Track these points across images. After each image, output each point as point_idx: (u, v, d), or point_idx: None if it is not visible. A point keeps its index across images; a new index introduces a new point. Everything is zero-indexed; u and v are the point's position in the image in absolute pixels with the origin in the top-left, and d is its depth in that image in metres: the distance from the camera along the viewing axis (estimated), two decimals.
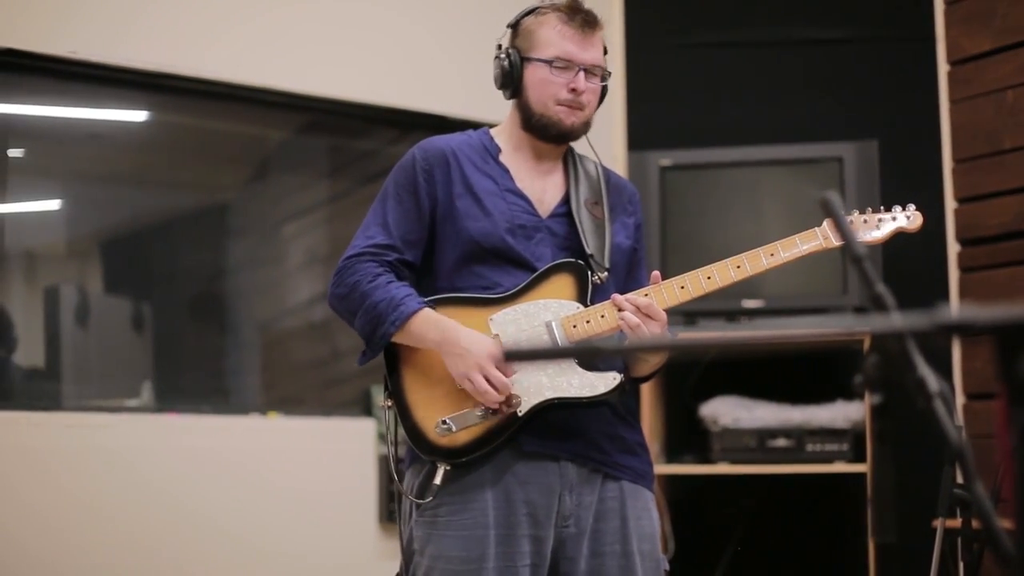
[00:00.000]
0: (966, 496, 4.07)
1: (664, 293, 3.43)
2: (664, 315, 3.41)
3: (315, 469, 5.74)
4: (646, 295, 3.41)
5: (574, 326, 3.42)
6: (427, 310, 3.38)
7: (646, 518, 3.52)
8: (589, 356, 3.23)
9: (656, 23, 6.70)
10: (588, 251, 3.51)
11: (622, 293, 3.51)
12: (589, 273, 3.48)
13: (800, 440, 5.78)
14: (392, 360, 3.48)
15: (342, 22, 6.02)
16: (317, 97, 6.01)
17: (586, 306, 3.46)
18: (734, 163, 6.11)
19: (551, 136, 3.57)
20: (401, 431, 3.45)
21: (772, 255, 3.50)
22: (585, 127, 3.59)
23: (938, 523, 4.46)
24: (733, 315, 5.85)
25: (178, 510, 5.36)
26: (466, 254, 3.47)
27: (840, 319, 5.62)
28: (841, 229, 1.84)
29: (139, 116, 6.09)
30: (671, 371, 5.72)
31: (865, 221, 3.63)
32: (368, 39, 6.08)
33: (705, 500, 6.24)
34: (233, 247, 6.63)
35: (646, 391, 5.79)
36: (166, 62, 5.55)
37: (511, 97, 3.62)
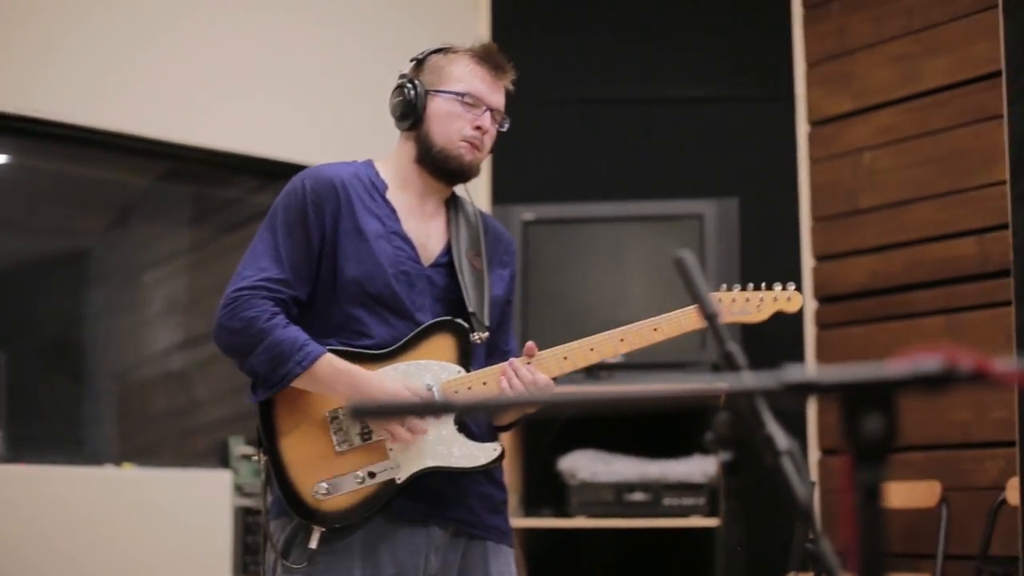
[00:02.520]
0: (816, 551, 4.12)
1: (548, 362, 3.40)
2: (552, 386, 3.39)
3: (170, 521, 5.65)
4: (528, 361, 3.38)
5: (455, 391, 3.40)
6: (331, 355, 3.32)
7: (507, 574, 3.50)
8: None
9: (522, 77, 6.73)
10: (470, 309, 3.46)
11: (489, 344, 3.51)
12: (471, 334, 3.44)
13: (657, 494, 5.81)
14: (268, 414, 3.39)
15: (206, 70, 5.99)
16: (180, 144, 5.97)
17: (467, 368, 3.42)
18: (596, 218, 6.16)
19: (447, 172, 3.51)
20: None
21: (655, 330, 3.49)
22: (478, 169, 3.56)
23: None
24: (592, 370, 5.87)
25: (29, 562, 5.26)
26: (346, 296, 3.40)
27: (698, 375, 5.67)
28: (692, 288, 1.86)
29: None
30: (530, 424, 5.71)
31: (747, 300, 3.58)
32: (231, 88, 6.06)
33: (563, 553, 6.25)
34: (92, 294, 6.53)
35: (505, 444, 5.78)
36: (27, 105, 5.48)
37: (408, 129, 3.54)
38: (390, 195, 3.52)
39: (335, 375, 3.31)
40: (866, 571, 1.52)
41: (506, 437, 5.83)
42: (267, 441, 3.38)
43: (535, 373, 3.36)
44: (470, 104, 3.50)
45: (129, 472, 5.71)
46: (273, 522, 3.44)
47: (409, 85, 3.54)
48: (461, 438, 3.40)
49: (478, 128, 3.50)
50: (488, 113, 3.52)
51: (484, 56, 3.56)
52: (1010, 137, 3.83)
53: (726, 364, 1.91)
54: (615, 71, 6.71)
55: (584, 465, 5.85)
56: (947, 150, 5.95)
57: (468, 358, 3.44)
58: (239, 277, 3.40)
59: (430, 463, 3.36)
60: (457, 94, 3.50)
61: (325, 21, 6.42)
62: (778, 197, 6.44)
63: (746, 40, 6.66)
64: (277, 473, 3.35)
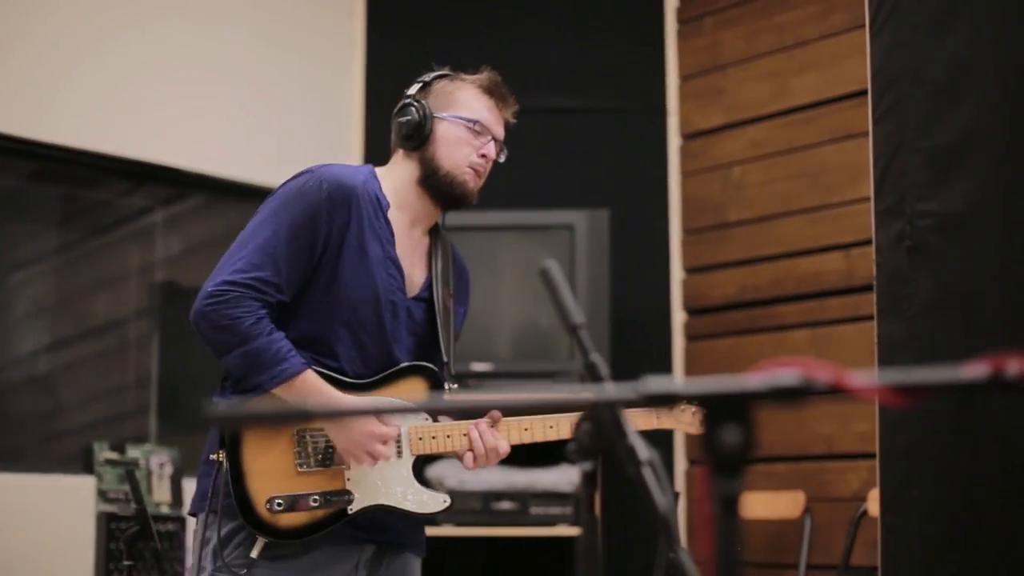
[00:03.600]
0: (676, 561, 4.16)
1: (511, 432, 3.45)
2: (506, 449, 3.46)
3: (32, 526, 5.58)
4: (492, 425, 3.42)
5: (420, 438, 3.42)
6: (311, 372, 3.31)
7: None
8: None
9: (393, 85, 6.72)
10: (445, 359, 3.48)
11: None
12: (444, 385, 3.46)
13: (524, 503, 5.83)
14: None
15: (77, 69, 5.92)
16: (49, 144, 5.89)
17: (434, 418, 3.44)
18: (469, 227, 6.15)
19: (449, 196, 3.51)
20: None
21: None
22: (476, 198, 3.58)
23: None
24: (462, 378, 5.88)
25: None
26: (333, 314, 3.38)
27: (566, 385, 5.70)
28: (556, 299, 1.87)
29: None
30: None
31: (683, 410, 3.55)
32: (103, 88, 5.99)
33: (431, 562, 6.23)
34: None
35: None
36: None
37: (413, 150, 3.53)
38: (391, 215, 3.50)
39: (312, 394, 3.30)
40: None
41: None
42: (230, 445, 3.34)
43: (498, 439, 3.41)
44: (478, 132, 3.54)
45: None
46: (212, 523, 3.39)
47: (417, 105, 3.55)
48: (416, 484, 3.44)
49: (483, 156, 3.53)
50: (492, 143, 3.56)
51: (492, 88, 3.61)
52: (874, 155, 3.90)
53: (589, 374, 1.92)
54: None
55: (452, 473, 5.84)
56: (815, 166, 6.04)
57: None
58: (230, 265, 3.33)
59: (382, 501, 3.41)
60: (468, 120, 3.54)
61: (200, 23, 6.37)
62: (649, 209, 6.49)
63: (619, 52, 6.70)
64: (235, 479, 3.33)
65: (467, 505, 5.83)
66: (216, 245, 6.88)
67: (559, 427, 3.47)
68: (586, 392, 1.80)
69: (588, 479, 1.81)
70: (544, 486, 5.83)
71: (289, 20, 6.63)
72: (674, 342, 6.36)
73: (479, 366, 5.90)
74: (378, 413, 3.36)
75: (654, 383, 1.61)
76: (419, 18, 6.80)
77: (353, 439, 3.33)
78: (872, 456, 3.88)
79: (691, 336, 6.38)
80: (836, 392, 1.53)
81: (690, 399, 1.58)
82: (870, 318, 3.87)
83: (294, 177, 3.45)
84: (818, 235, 5.98)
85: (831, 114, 6.01)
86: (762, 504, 5.63)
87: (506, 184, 6.57)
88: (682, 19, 6.62)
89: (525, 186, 6.55)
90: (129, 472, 4.15)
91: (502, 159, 3.63)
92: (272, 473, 3.35)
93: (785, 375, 1.52)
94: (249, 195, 6.40)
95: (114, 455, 5.87)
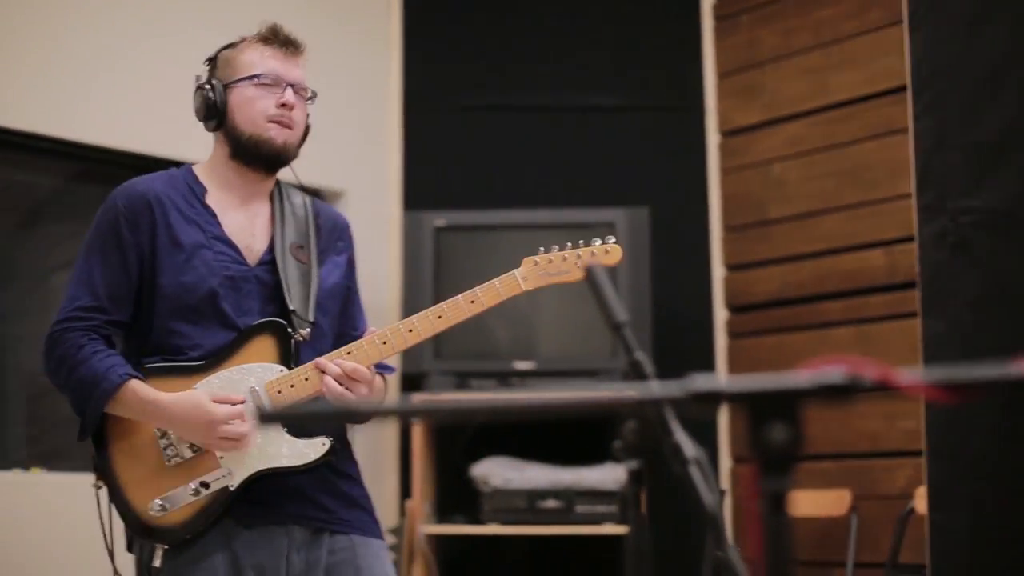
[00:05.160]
0: (724, 560, 4.15)
1: (367, 349, 3.36)
2: (369, 374, 3.34)
3: (78, 526, 5.59)
4: (348, 353, 3.35)
5: (279, 391, 3.35)
6: (132, 383, 3.27)
7: (378, 565, 3.45)
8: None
9: (435, 85, 6.74)
10: (291, 306, 3.40)
11: (337, 333, 3.50)
12: (290, 332, 3.39)
13: (570, 501, 5.83)
14: (100, 438, 3.35)
15: (117, 70, 5.94)
16: (90, 145, 5.92)
17: (290, 368, 3.37)
18: (508, 225, 6.16)
19: (262, 158, 3.47)
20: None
21: (472, 302, 3.41)
22: (295, 150, 3.51)
23: None
24: (505, 376, 5.89)
25: None
26: (169, 310, 3.35)
27: (609, 383, 5.70)
28: (599, 297, 1.87)
29: None
30: (442, 431, 5.73)
31: (564, 259, 3.48)
32: (143, 89, 6.01)
33: (475, 560, 6.25)
34: (0, 296, 6.46)
35: (417, 451, 5.79)
36: None
37: (215, 128, 3.52)
38: (209, 199, 3.48)
39: (140, 406, 3.27)
40: None
41: (419, 445, 5.83)
42: (101, 464, 3.35)
43: (343, 365, 3.31)
44: (268, 84, 3.47)
45: (37, 476, 5.66)
46: (135, 548, 3.41)
47: (207, 86, 3.53)
48: (288, 437, 3.35)
49: (283, 106, 3.46)
50: (289, 89, 3.49)
51: (270, 36, 3.55)
52: (915, 151, 3.87)
53: (634, 373, 1.92)
54: (528, 79, 6.72)
55: (497, 472, 5.85)
56: (855, 163, 6.02)
57: (291, 357, 3.39)
58: (58, 310, 3.37)
59: (260, 466, 3.32)
60: (251, 77, 3.48)
61: (238, 24, 6.38)
62: (689, 207, 6.48)
63: (657, 50, 6.70)
64: (113, 495, 3.33)
65: (512, 504, 5.83)
66: None
67: (418, 328, 3.37)
68: (631, 390, 1.79)
69: (635, 477, 1.81)
70: (589, 484, 5.83)
71: (327, 20, 6.64)
72: (716, 340, 6.35)
73: (522, 365, 5.90)
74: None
75: (701, 381, 1.61)
76: (457, 16, 6.81)
77: (201, 433, 3.27)
78: (919, 453, 3.86)
79: (733, 334, 6.36)
80: (883, 389, 1.52)
81: (738, 397, 1.58)
82: (913, 315, 3.84)
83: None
84: (859, 232, 5.96)
85: (871, 110, 5.99)
86: (808, 502, 5.61)
87: (546, 182, 6.61)
88: (719, 16, 6.60)
89: (565, 184, 6.56)
90: None
91: (312, 101, 3.59)
92: (144, 479, 3.32)
93: (832, 372, 1.51)
94: None
95: None
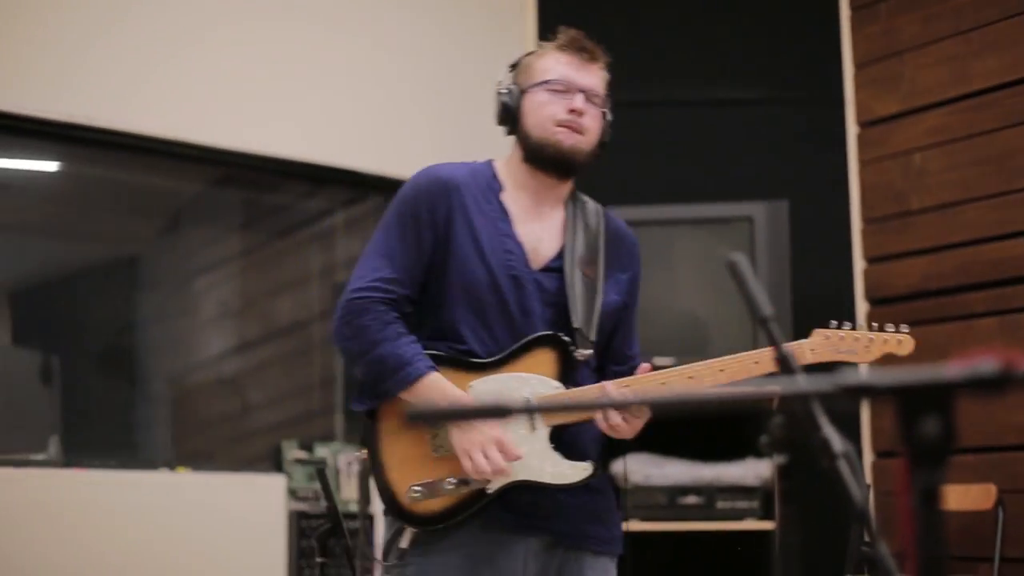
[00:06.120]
0: (873, 554, 4.11)
1: (647, 388, 3.38)
2: (648, 412, 3.36)
3: (224, 525, 5.68)
4: (627, 386, 3.36)
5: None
6: (435, 375, 3.32)
7: None
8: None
9: None
10: (575, 324, 3.43)
11: (605, 351, 3.53)
12: (572, 350, 3.41)
13: (711, 497, 5.80)
14: (372, 415, 3.43)
15: (256, 76, 6.01)
16: (230, 151, 6.00)
17: (566, 385, 3.40)
18: (646, 221, 6.13)
19: (550, 161, 3.51)
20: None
21: (756, 363, 3.44)
22: (586, 156, 3.54)
23: None
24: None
25: (84, 565, 5.29)
26: (455, 298, 3.41)
27: (750, 379, 5.65)
28: (745, 291, 1.86)
29: (50, 166, 6.05)
30: None
31: (856, 339, 3.49)
32: (281, 94, 6.08)
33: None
34: (144, 300, 6.58)
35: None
36: (79, 113, 5.52)
37: (511, 132, 3.58)
38: (505, 196, 3.54)
39: (433, 398, 3.31)
40: (926, 574, 1.52)
41: None
42: (370, 441, 3.41)
43: (627, 399, 3.40)
44: (559, 90, 3.51)
45: (183, 476, 5.75)
46: (385, 519, 3.48)
47: (504, 90, 3.59)
48: (555, 456, 3.39)
49: (572, 111, 3.49)
50: (580, 95, 3.51)
51: (567, 43, 3.58)
52: None
53: (781, 367, 1.91)
54: (665, 74, 6.70)
55: (637, 468, 5.83)
56: (998, 150, 5.91)
57: (569, 374, 3.41)
58: (354, 279, 3.42)
59: (521, 476, 3.36)
60: (544, 82, 3.52)
61: (375, 26, 6.43)
62: (828, 199, 6.42)
63: (794, 42, 6.64)
64: (376, 473, 3.39)
65: (653, 500, 5.81)
66: None
67: (699, 376, 3.41)
68: (779, 385, 1.78)
69: (783, 472, 1.80)
70: (730, 480, 5.79)
71: (461, 16, 6.66)
72: None
73: (659, 360, 5.86)
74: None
75: (851, 375, 1.60)
76: (591, 12, 6.80)
77: (477, 443, 3.30)
78: None
79: (874, 327, 6.29)
80: None
81: (889, 391, 1.56)
82: None
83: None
84: (1003, 221, 5.86)
85: (1013, 97, 5.88)
86: (953, 496, 5.53)
87: (684, 178, 6.58)
88: (856, 6, 6.52)
89: (703, 179, 6.52)
90: (319, 471, 4.20)
91: (607, 111, 3.59)
92: (410, 463, 3.37)
93: (984, 364, 1.49)
94: None
95: (303, 454, 5.97)
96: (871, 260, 6.32)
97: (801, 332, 5.87)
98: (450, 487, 3.35)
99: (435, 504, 3.35)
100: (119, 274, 6.57)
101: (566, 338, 3.42)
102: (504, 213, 3.50)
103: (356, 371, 3.42)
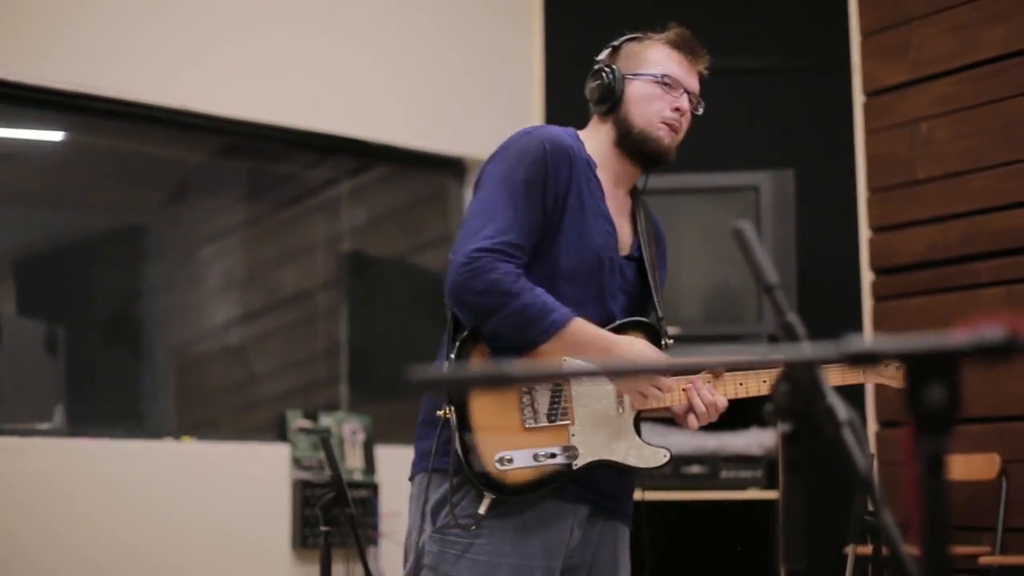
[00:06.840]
0: (876, 523, 4.11)
1: (727, 387, 3.48)
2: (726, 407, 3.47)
3: (229, 494, 5.70)
4: (709, 381, 3.44)
5: (644, 395, 3.42)
6: (581, 320, 3.31)
7: (625, 553, 3.61)
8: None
9: (575, 49, 6.72)
10: (660, 314, 3.50)
11: None
12: (661, 341, 3.46)
13: (714, 467, 5.80)
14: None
15: (261, 46, 6.01)
16: (235, 120, 6.00)
17: None
18: (651, 190, 6.12)
19: (646, 154, 3.52)
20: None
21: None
22: (674, 154, 3.58)
23: (849, 550, 4.49)
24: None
25: (89, 534, 5.31)
26: (559, 267, 3.39)
27: (754, 347, 5.66)
28: (749, 259, 1.85)
29: (56, 136, 6.04)
30: None
31: (899, 366, 3.54)
32: (287, 63, 6.07)
33: None
34: (149, 269, 6.57)
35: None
36: (84, 82, 5.52)
37: (607, 113, 3.55)
38: (600, 173, 3.52)
39: (588, 340, 3.32)
40: (930, 542, 1.52)
41: None
42: (460, 403, 3.35)
43: (715, 394, 3.44)
44: (668, 86, 3.53)
45: (188, 445, 5.76)
46: (431, 483, 3.41)
47: (607, 70, 3.56)
48: (637, 440, 3.47)
49: (677, 110, 3.53)
50: (685, 96, 3.56)
51: (680, 42, 3.60)
52: None
53: (786, 335, 1.90)
54: None
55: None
56: (1005, 120, 5.90)
57: None
58: (477, 235, 3.31)
59: (607, 456, 3.40)
60: (656, 76, 3.53)
61: (386, 4, 6.42)
62: (834, 168, 6.41)
63: (801, 11, 6.63)
64: (463, 436, 3.34)
65: (656, 469, 5.81)
66: (401, 215, 6.96)
67: (772, 381, 3.43)
68: (784, 352, 1.77)
69: (788, 440, 1.80)
70: (734, 449, 5.80)
71: None
72: (863, 302, 6.27)
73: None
74: (599, 375, 3.35)
75: (856, 342, 1.59)
76: None
77: (638, 382, 3.39)
78: None
79: (879, 296, 6.28)
80: None
81: (894, 357, 1.55)
82: None
83: (510, 141, 3.46)
84: (1009, 190, 5.85)
85: (1021, 66, 5.86)
86: (957, 466, 5.51)
87: (690, 146, 6.54)
88: None
89: (709, 148, 6.49)
90: (324, 440, 4.20)
91: (699, 111, 3.63)
92: (500, 430, 3.36)
93: (990, 332, 1.49)
94: (432, 164, 6.46)
95: (307, 423, 5.98)
96: (877, 229, 6.31)
97: (806, 301, 5.89)
98: (536, 459, 3.35)
99: (521, 475, 3.34)
100: (124, 244, 6.56)
101: (656, 326, 3.48)
102: (602, 192, 3.50)
103: (489, 324, 3.31)
